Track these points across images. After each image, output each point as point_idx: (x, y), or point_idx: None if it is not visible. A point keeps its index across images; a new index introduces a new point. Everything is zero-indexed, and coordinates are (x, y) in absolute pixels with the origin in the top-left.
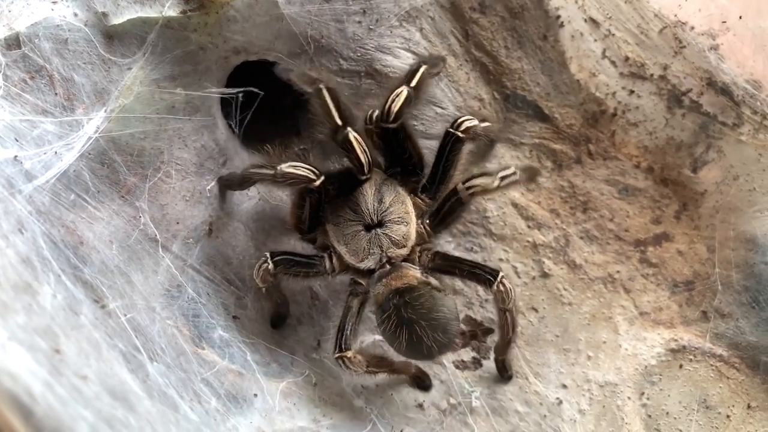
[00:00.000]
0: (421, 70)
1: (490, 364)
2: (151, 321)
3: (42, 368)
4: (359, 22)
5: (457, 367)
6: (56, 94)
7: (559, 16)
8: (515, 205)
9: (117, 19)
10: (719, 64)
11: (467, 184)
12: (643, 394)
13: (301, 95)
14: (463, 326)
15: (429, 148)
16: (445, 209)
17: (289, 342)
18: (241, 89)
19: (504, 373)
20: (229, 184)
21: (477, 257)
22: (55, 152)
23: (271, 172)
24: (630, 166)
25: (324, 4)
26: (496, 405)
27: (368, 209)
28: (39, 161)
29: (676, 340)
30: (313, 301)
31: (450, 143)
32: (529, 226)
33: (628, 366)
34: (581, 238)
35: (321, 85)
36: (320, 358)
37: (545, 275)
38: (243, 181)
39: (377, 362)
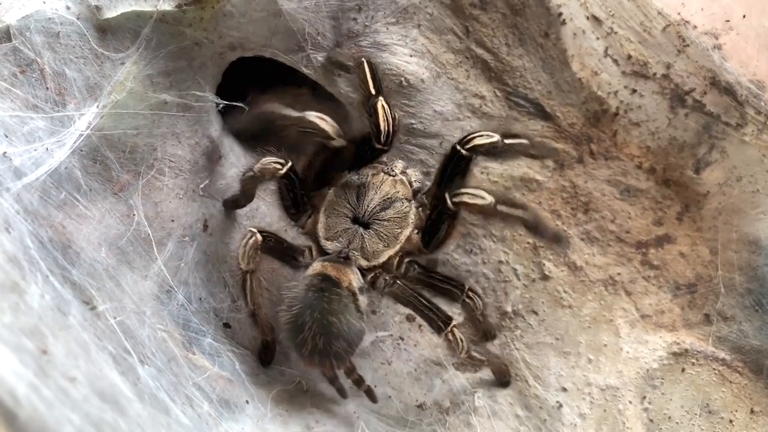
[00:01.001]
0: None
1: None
2: (141, 324)
3: (28, 370)
4: (354, 19)
5: (457, 369)
6: (47, 88)
7: (561, 14)
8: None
9: (110, 13)
10: (723, 64)
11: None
12: (644, 398)
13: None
14: (353, 363)
15: (427, 147)
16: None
17: (280, 347)
18: (227, 102)
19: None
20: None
21: (476, 259)
22: (46, 149)
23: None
24: (632, 167)
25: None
26: (496, 408)
27: (368, 207)
28: (29, 158)
29: (678, 344)
30: None
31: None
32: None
33: (630, 369)
34: (582, 239)
35: (363, 59)
36: None
37: (545, 277)
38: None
39: None
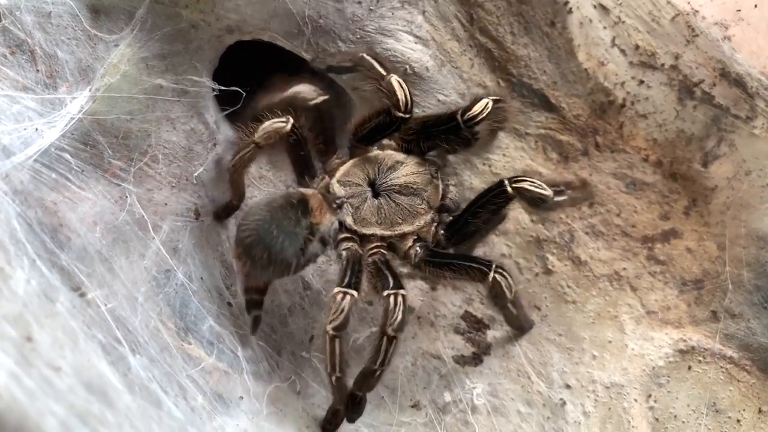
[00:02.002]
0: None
1: (490, 361)
2: (133, 311)
3: (8, 358)
4: (359, 2)
5: (456, 362)
6: (38, 70)
7: (567, 2)
8: None
9: None
10: (733, 55)
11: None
12: (650, 396)
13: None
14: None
15: None
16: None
17: (276, 336)
18: (224, 88)
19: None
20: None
21: (478, 252)
22: (36, 129)
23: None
24: (638, 160)
25: None
26: (498, 404)
27: (388, 180)
28: (18, 137)
29: (684, 341)
30: (305, 291)
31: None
32: (532, 221)
33: (635, 367)
34: (587, 233)
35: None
36: (310, 356)
37: (549, 272)
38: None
39: None
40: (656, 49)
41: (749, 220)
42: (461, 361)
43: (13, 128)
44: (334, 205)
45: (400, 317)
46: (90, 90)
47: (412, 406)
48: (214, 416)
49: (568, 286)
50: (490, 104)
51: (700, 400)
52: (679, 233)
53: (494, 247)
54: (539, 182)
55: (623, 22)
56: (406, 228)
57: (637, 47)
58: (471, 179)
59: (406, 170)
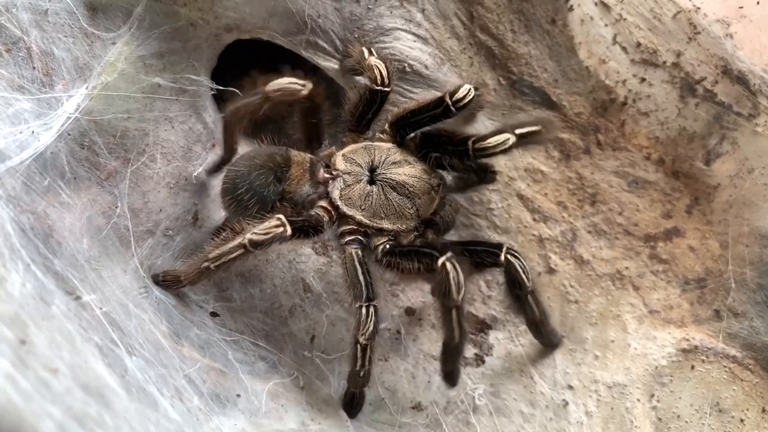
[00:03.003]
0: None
1: (492, 362)
2: (128, 315)
3: (4, 359)
4: (357, 1)
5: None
6: (34, 68)
7: None
8: (520, 197)
9: None
10: (735, 52)
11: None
12: (653, 396)
13: None
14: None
15: None
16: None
17: (277, 335)
18: (222, 87)
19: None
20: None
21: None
22: (32, 131)
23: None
24: (640, 158)
25: None
26: (500, 404)
27: (386, 174)
28: (14, 140)
29: (687, 340)
30: (305, 293)
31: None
32: (534, 219)
33: (638, 366)
34: (589, 232)
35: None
36: (312, 356)
37: (551, 271)
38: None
39: None
40: (658, 47)
41: (752, 218)
42: (463, 362)
43: (8, 132)
44: (327, 176)
45: (371, 328)
46: (87, 88)
47: (413, 408)
48: (211, 417)
49: (571, 286)
50: (512, 140)
51: (703, 400)
52: (682, 232)
53: None
54: (527, 271)
55: (624, 19)
56: (386, 225)
57: (638, 45)
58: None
59: (409, 171)
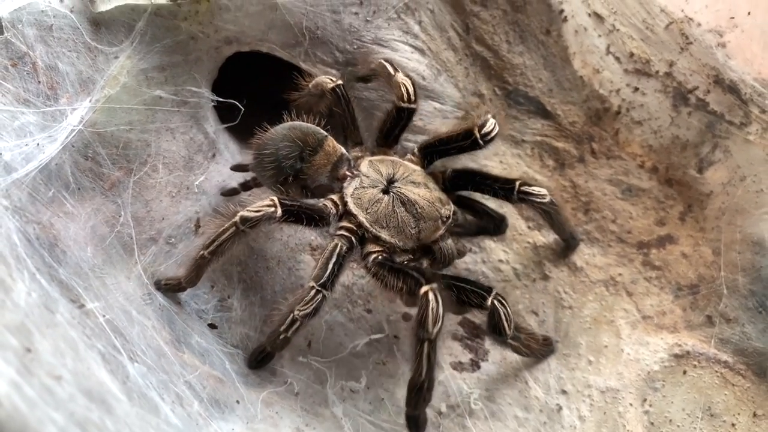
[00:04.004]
0: None
1: (487, 367)
2: (130, 323)
3: (9, 367)
4: (356, 13)
5: (454, 368)
6: (39, 82)
7: (562, 11)
8: (515, 206)
9: (104, 6)
10: (727, 62)
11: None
12: (645, 400)
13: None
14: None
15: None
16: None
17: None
18: (222, 99)
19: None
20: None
21: (476, 257)
22: (38, 144)
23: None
24: (634, 166)
25: None
26: (495, 409)
27: (402, 191)
28: (20, 153)
29: (679, 345)
30: None
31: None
32: (529, 227)
33: (630, 371)
34: (582, 239)
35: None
36: (308, 361)
37: (545, 277)
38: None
39: None
40: (651, 57)
41: (744, 225)
42: (459, 367)
43: (14, 144)
44: (348, 174)
45: (310, 311)
46: (90, 101)
47: None
48: (210, 422)
49: (565, 292)
50: (548, 199)
51: (695, 405)
52: (675, 239)
53: (492, 252)
54: (510, 320)
55: (618, 30)
56: (384, 234)
57: (631, 55)
58: None
59: (424, 193)
